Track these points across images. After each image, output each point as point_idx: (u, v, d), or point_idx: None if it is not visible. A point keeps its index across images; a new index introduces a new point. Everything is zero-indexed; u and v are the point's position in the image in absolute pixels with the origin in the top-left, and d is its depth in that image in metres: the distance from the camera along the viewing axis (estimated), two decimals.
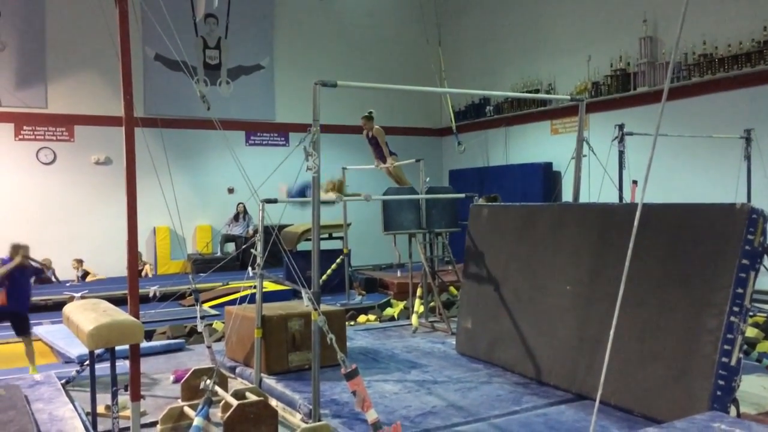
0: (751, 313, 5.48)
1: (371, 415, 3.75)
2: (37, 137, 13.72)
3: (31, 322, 8.89)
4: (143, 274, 13.29)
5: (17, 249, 7.06)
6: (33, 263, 7.37)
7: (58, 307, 7.37)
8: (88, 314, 4.49)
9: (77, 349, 6.95)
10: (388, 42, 16.91)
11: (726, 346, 4.14)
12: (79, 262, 13.18)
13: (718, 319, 4.19)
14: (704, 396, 4.15)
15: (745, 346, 4.44)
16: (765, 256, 4.30)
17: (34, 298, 10.68)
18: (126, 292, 4.63)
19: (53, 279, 12.90)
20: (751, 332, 7.19)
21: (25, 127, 13.62)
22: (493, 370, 5.99)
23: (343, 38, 16.31)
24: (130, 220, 4.58)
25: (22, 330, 7.05)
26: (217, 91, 15.12)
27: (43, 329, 8.51)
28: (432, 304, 8.64)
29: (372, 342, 7.42)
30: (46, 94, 13.77)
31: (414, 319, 8.13)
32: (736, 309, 4.16)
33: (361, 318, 9.35)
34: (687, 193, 10.23)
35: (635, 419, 4.51)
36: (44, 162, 13.75)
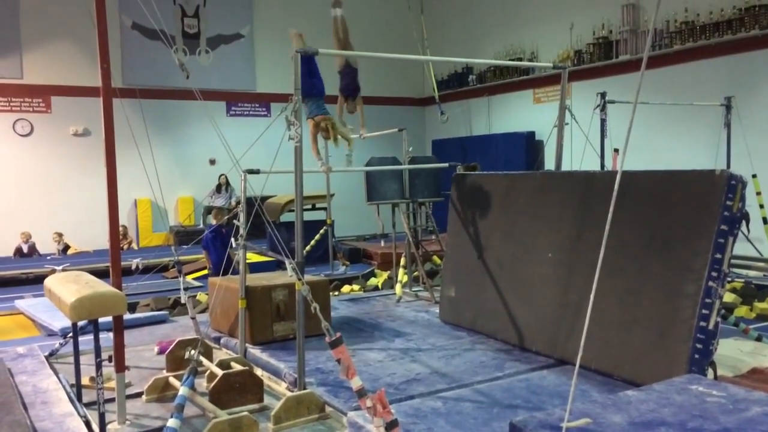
0: (728, 279, 5.57)
1: (356, 383, 3.78)
2: (14, 108, 13.48)
3: (13, 295, 8.86)
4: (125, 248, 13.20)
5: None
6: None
7: (39, 280, 7.33)
8: (69, 286, 4.46)
9: (60, 321, 6.92)
10: (370, 10, 16.70)
11: (704, 311, 4.21)
12: (60, 235, 13.06)
13: (697, 284, 4.25)
14: (682, 359, 4.23)
15: (723, 311, 4.52)
16: (743, 221, 4.35)
17: (15, 272, 10.63)
18: (108, 264, 4.61)
19: (34, 253, 12.80)
20: (728, 297, 7.32)
21: (0, 99, 13.36)
22: (477, 338, 6.06)
23: (325, 6, 16.01)
24: (110, 192, 4.54)
25: None
26: (196, 60, 14.90)
27: (24, 302, 8.45)
28: (416, 273, 8.68)
29: (356, 311, 7.46)
30: (22, 64, 13.50)
31: (398, 288, 8.17)
32: (714, 274, 4.22)
33: (345, 288, 9.38)
34: (668, 160, 10.31)
35: (615, 383, 4.59)
36: (21, 134, 13.54)
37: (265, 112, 15.74)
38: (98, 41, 4.48)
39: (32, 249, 12.85)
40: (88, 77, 12.61)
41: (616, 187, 2.56)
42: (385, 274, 10.00)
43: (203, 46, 15.16)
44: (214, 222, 7.87)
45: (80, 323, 4.72)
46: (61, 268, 9.52)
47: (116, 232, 4.58)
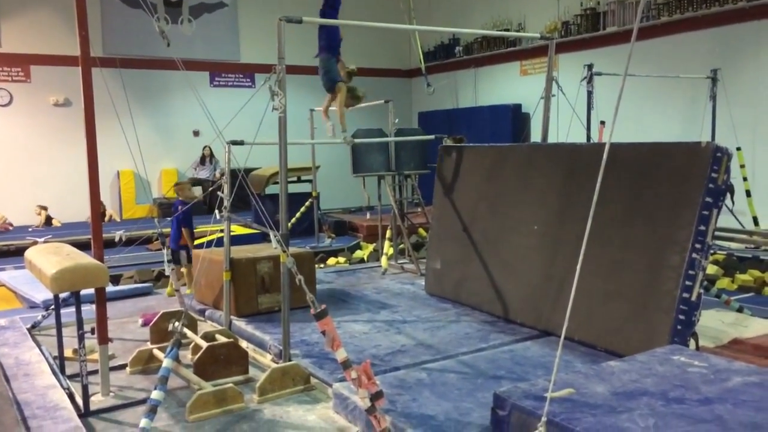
0: (711, 251, 5.62)
1: (341, 354, 3.77)
2: None
3: None
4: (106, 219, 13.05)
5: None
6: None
7: (20, 252, 7.25)
8: (50, 258, 4.41)
9: (42, 294, 6.87)
10: None
11: (687, 282, 4.24)
12: (43, 208, 12.89)
13: (681, 255, 4.27)
14: (665, 330, 4.27)
15: (705, 282, 4.56)
16: (727, 194, 4.37)
17: None
18: (90, 237, 4.55)
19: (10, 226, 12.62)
20: (710, 269, 7.40)
21: None
22: (462, 310, 6.08)
23: None
24: (91, 163, 4.47)
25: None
26: (178, 29, 14.62)
27: (6, 274, 8.38)
28: (401, 246, 8.69)
29: (342, 284, 7.46)
30: (0, 32, 13.19)
31: (383, 260, 8.18)
32: (698, 246, 4.24)
33: (331, 260, 9.38)
34: (654, 132, 10.32)
35: (598, 353, 4.64)
36: (0, 104, 13.28)
37: (249, 83, 15.54)
38: (76, 7, 4.37)
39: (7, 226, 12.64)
40: (68, 46, 12.30)
41: (604, 158, 2.54)
42: (370, 247, 10.00)
43: (185, 14, 14.86)
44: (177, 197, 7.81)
45: (62, 295, 4.68)
46: (43, 240, 9.43)
47: (97, 204, 4.53)
